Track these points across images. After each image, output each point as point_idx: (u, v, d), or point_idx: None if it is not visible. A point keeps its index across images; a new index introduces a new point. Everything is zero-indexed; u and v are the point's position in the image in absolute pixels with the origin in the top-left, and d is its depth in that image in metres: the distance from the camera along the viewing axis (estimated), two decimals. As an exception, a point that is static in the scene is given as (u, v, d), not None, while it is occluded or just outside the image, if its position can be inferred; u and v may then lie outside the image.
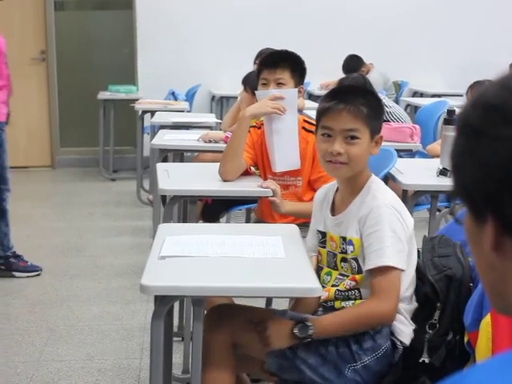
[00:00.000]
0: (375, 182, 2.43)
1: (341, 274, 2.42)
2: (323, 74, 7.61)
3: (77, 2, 8.92)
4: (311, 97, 7.93)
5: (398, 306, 2.25)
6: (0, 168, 4.72)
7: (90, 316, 4.21)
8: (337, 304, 2.40)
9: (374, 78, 7.02)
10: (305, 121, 3.45)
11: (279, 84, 3.40)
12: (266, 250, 2.41)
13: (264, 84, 3.46)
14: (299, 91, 3.42)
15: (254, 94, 4.54)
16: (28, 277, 4.82)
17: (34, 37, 8.23)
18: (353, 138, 2.38)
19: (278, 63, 3.42)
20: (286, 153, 3.36)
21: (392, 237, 2.26)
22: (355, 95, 2.41)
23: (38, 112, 7.92)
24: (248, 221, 4.48)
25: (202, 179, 3.45)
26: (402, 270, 2.26)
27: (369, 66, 7.88)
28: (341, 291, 2.38)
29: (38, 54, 8.37)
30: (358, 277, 2.35)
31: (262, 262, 2.31)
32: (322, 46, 8.40)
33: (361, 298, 2.35)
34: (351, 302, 2.37)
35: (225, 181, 3.33)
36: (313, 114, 5.12)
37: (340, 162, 2.39)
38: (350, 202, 2.41)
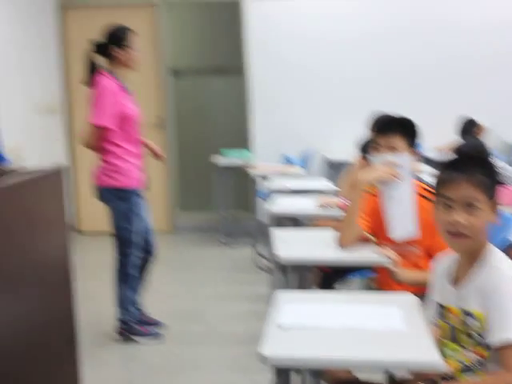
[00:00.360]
0: (494, 252, 2.38)
1: (463, 348, 2.36)
2: (436, 136, 7.52)
3: (192, 69, 9.16)
4: (425, 160, 7.84)
5: None
6: (128, 232, 4.85)
7: (210, 383, 4.24)
8: (460, 377, 2.35)
9: (488, 140, 6.92)
10: (424, 189, 3.42)
11: (391, 149, 3.41)
12: (385, 322, 2.38)
13: (376, 149, 3.47)
14: (412, 155, 3.41)
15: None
16: (148, 341, 4.91)
17: (153, 103, 8.50)
18: (473, 208, 2.34)
19: (390, 128, 3.44)
20: (403, 220, 3.34)
21: None
22: (474, 165, 2.38)
23: (157, 176, 8.14)
24: (365, 288, 4.44)
25: (318, 246, 3.46)
26: None
27: (482, 127, 7.77)
28: (465, 365, 2.33)
29: (156, 120, 8.61)
30: (483, 352, 2.30)
31: (381, 333, 2.29)
32: (434, 107, 8.33)
33: (483, 371, 2.30)
34: (475, 375, 2.31)
35: (342, 248, 3.33)
36: (428, 178, 5.08)
37: (461, 233, 2.35)
38: (471, 274, 2.37)
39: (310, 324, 2.36)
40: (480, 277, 2.33)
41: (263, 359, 2.10)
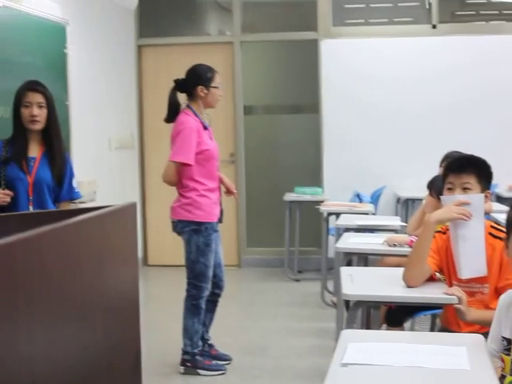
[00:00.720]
0: None
1: None
2: (510, 175, 7.40)
3: (265, 107, 9.24)
4: (499, 199, 7.73)
5: None
6: (204, 266, 4.91)
7: (272, 418, 4.22)
8: None
9: None
10: (492, 226, 3.37)
11: (465, 189, 3.37)
12: (450, 361, 2.34)
13: (450, 189, 3.44)
14: (486, 196, 3.36)
15: (439, 199, 4.51)
16: (212, 375, 4.91)
17: (225, 140, 8.57)
18: None
19: (464, 168, 3.40)
20: (472, 259, 3.28)
21: None
22: None
23: (227, 211, 8.16)
24: (433, 327, 4.38)
25: (385, 284, 3.43)
26: None
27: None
28: None
29: (227, 157, 8.69)
30: None
31: (444, 373, 2.25)
32: (508, 145, 8.22)
33: None
34: None
35: (409, 286, 3.29)
36: (501, 217, 5.00)
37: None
38: None
39: (373, 361, 2.34)
40: None
41: (325, 397, 2.09)
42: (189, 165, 4.84)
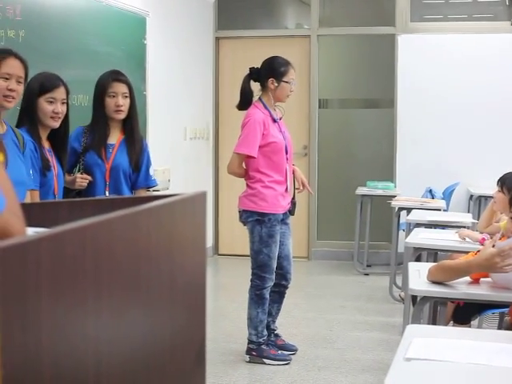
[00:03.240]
0: None
1: None
2: None
3: (339, 101, 9.23)
4: None
5: None
6: (267, 257, 4.94)
7: (335, 410, 4.24)
8: None
9: None
10: None
11: None
12: (515, 360, 2.33)
13: None
14: None
15: (510, 196, 4.46)
16: (277, 365, 4.96)
17: (298, 133, 8.59)
18: None
19: None
20: None
21: None
22: None
23: (298, 203, 8.26)
24: (501, 325, 4.34)
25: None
26: None
27: None
28: None
29: (300, 149, 8.71)
30: None
31: (508, 371, 2.24)
32: None
33: None
34: None
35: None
36: None
37: None
38: None
39: (437, 357, 2.34)
40: None
41: (387, 390, 2.10)
42: (252, 157, 4.89)
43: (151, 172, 4.51)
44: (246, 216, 4.99)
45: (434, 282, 3.35)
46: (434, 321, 3.82)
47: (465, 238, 4.46)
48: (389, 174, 8.65)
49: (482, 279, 3.39)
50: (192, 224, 2.06)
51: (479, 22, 8.63)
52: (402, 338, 2.56)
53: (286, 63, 5.02)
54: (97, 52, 5.78)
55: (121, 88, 4.34)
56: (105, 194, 4.28)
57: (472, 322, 4.56)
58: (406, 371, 2.24)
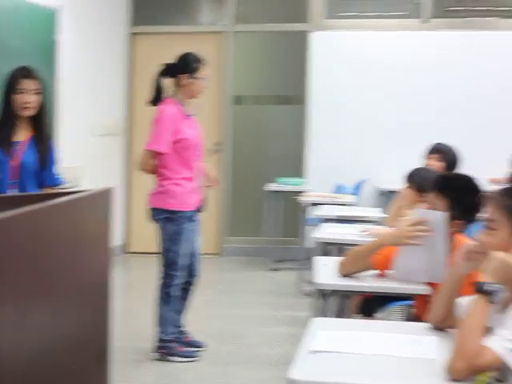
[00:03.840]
0: None
1: (493, 378, 2.34)
2: (491, 168, 7.44)
3: (253, 97, 9.24)
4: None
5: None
6: (177, 255, 4.91)
7: (244, 405, 4.26)
8: None
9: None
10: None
11: (433, 209, 3.31)
12: (418, 350, 2.38)
13: (425, 202, 3.43)
14: (456, 225, 3.31)
15: (417, 191, 4.57)
16: (186, 362, 4.94)
17: (211, 129, 8.58)
18: (490, 228, 2.40)
19: (441, 189, 3.35)
20: (428, 265, 3.30)
21: None
22: (508, 189, 2.46)
23: (210, 200, 8.28)
24: (406, 317, 4.42)
25: (359, 274, 3.47)
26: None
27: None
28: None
29: (213, 146, 8.69)
30: None
31: (412, 361, 2.28)
32: (492, 140, 8.27)
33: None
34: None
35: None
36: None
37: (480, 251, 2.42)
38: (508, 307, 2.32)
39: (341, 349, 2.37)
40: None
41: (291, 382, 2.13)
42: (163, 153, 4.86)
43: (58, 170, 4.44)
44: (156, 214, 4.94)
45: (345, 276, 3.40)
46: (341, 314, 3.88)
47: (368, 233, 4.52)
48: (299, 171, 8.71)
49: (388, 272, 3.46)
50: (96, 221, 2.04)
51: (391, 20, 8.77)
52: (307, 331, 2.59)
53: (199, 59, 4.99)
54: (6, 46, 5.64)
55: (30, 84, 4.24)
56: (7, 192, 4.18)
57: (378, 316, 4.63)
58: (310, 363, 2.26)
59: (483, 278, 2.27)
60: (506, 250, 2.33)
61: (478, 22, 8.61)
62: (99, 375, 2.04)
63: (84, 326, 1.91)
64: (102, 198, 2.04)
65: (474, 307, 2.25)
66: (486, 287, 2.24)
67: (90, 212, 1.97)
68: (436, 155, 5.52)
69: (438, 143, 5.71)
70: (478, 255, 2.47)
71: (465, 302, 2.56)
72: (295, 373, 2.15)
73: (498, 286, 2.23)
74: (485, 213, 2.48)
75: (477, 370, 2.18)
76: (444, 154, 5.53)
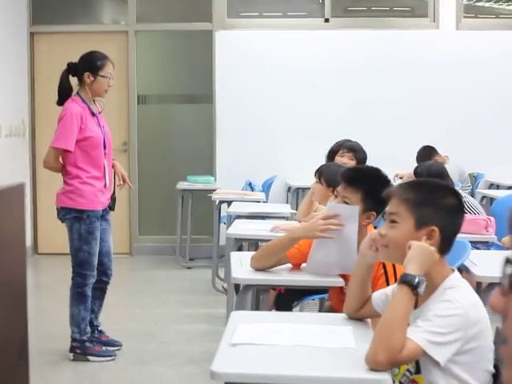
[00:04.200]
0: (454, 285, 2.35)
1: (408, 370, 2.39)
2: (397, 165, 7.62)
3: (159, 96, 9.22)
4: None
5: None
6: (87, 254, 4.86)
7: (162, 403, 4.25)
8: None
9: (450, 170, 7.02)
10: None
11: (345, 202, 3.34)
12: (336, 340, 2.42)
13: (336, 196, 3.43)
14: (368, 217, 3.35)
15: (327, 186, 4.62)
16: (102, 361, 4.90)
17: (117, 129, 8.49)
18: (393, 221, 2.44)
19: (352, 182, 3.35)
20: (340, 258, 3.35)
21: (438, 327, 2.22)
22: (409, 183, 2.53)
23: (119, 199, 8.20)
24: (321, 310, 4.49)
25: (274, 268, 3.49)
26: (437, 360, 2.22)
27: (444, 157, 7.87)
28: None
29: (120, 146, 8.62)
30: (416, 378, 2.34)
31: (331, 351, 2.33)
32: (397, 137, 8.49)
33: None
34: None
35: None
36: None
37: (382, 244, 2.46)
38: (424, 300, 2.37)
39: (262, 341, 2.40)
40: (431, 304, 2.33)
41: (214, 375, 2.13)
42: (69, 151, 4.80)
43: None
44: (64, 213, 4.88)
45: (258, 270, 3.43)
46: (257, 309, 3.90)
47: (278, 229, 4.55)
48: (209, 169, 8.75)
49: (303, 265, 3.50)
50: (11, 218, 2.00)
51: (294, 19, 8.90)
52: (227, 324, 2.60)
53: (103, 57, 4.96)
54: None
55: None
56: None
57: (293, 310, 4.68)
58: (232, 356, 2.28)
59: (406, 269, 2.30)
60: (408, 240, 2.37)
61: (377, 22, 8.84)
62: (21, 370, 2.01)
63: (3, 324, 1.87)
64: (15, 194, 1.99)
65: (398, 299, 2.27)
66: (409, 279, 2.26)
67: (5, 208, 1.93)
68: (349, 153, 5.58)
69: (349, 140, 5.77)
70: (380, 245, 2.51)
71: (379, 294, 2.62)
72: (217, 366, 2.16)
73: (421, 277, 2.26)
74: (387, 207, 2.51)
75: (398, 363, 2.23)
76: (356, 152, 5.60)
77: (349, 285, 2.74)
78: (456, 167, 7.95)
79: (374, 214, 3.38)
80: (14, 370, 2.02)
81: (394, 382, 2.33)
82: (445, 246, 2.41)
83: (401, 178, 7.79)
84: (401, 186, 2.49)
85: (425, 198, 2.42)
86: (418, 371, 2.34)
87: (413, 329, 2.23)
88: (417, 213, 2.39)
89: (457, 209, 2.45)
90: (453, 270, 2.43)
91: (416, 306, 2.32)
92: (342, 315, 2.74)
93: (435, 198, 2.43)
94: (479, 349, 2.28)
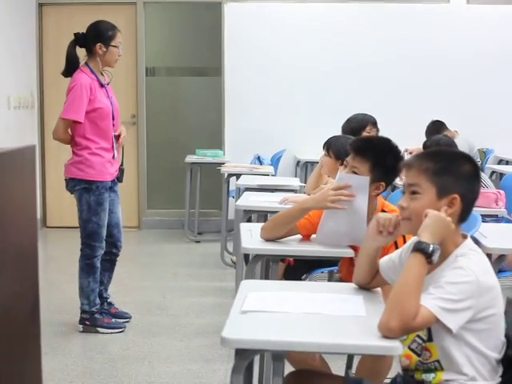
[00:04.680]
0: (466, 252, 2.34)
1: (418, 336, 2.38)
2: (408, 140, 7.58)
3: (167, 69, 9.18)
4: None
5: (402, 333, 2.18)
6: (96, 225, 4.87)
7: (171, 373, 4.26)
8: (417, 375, 2.38)
9: (459, 145, 6.98)
10: (384, 212, 3.41)
11: (354, 172, 3.34)
12: (347, 308, 2.42)
13: (345, 166, 3.43)
14: (377, 188, 3.35)
15: (336, 159, 4.61)
16: (112, 333, 4.91)
17: (126, 101, 8.47)
18: (414, 193, 2.40)
19: (361, 152, 3.34)
20: (352, 229, 3.34)
21: (450, 294, 2.21)
22: (426, 153, 2.50)
23: (127, 173, 8.19)
24: (331, 282, 4.48)
25: (284, 239, 3.49)
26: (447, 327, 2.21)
27: (453, 132, 7.83)
28: (422, 362, 2.36)
29: (128, 118, 8.60)
30: (429, 345, 2.33)
31: (342, 319, 2.32)
32: (406, 111, 8.45)
33: (442, 369, 2.32)
34: (432, 374, 2.34)
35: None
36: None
37: (404, 217, 2.43)
38: (436, 267, 2.35)
39: (272, 309, 2.39)
40: (442, 272, 2.32)
41: (225, 341, 2.12)
42: (79, 122, 4.78)
43: None
44: (73, 184, 4.87)
45: (268, 240, 3.42)
46: (266, 279, 3.89)
47: (286, 201, 4.54)
48: (218, 142, 8.72)
49: (312, 236, 3.49)
50: (22, 178, 1.98)
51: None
52: (237, 292, 2.60)
53: (113, 27, 4.93)
54: None
55: None
56: None
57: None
58: (242, 323, 2.27)
59: (420, 237, 2.28)
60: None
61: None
62: (33, 334, 2.02)
63: (14, 289, 1.88)
64: (27, 154, 1.98)
65: (412, 266, 2.25)
66: (424, 247, 2.24)
67: (16, 168, 1.91)
68: (375, 128, 5.58)
69: (366, 115, 5.73)
70: (388, 228, 2.49)
71: (386, 261, 2.60)
72: (227, 332, 2.15)
73: (435, 245, 2.25)
74: (405, 178, 2.48)
75: (411, 330, 2.22)
76: (377, 125, 5.61)
77: (358, 259, 2.72)
78: (465, 142, 7.91)
79: (384, 184, 3.37)
80: (25, 332, 2.02)
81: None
82: (465, 213, 2.40)
83: (410, 153, 7.76)
84: (418, 156, 2.46)
85: (444, 167, 2.39)
86: (430, 339, 2.33)
87: (425, 296, 2.21)
88: (438, 182, 2.37)
89: (474, 176, 2.43)
90: (465, 237, 2.41)
91: (428, 271, 2.30)
92: (352, 285, 2.73)
93: (454, 166, 2.41)
94: (492, 317, 2.27)
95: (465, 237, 2.42)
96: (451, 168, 2.40)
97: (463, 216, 2.40)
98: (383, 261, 2.61)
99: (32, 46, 8.62)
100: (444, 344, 2.28)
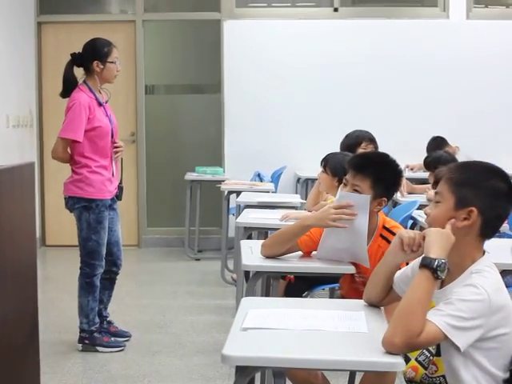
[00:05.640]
0: (481, 269, 2.30)
1: (426, 349, 2.35)
2: (409, 156, 7.57)
3: (166, 86, 9.19)
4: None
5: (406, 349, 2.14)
6: (96, 244, 4.85)
7: (171, 392, 4.22)
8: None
9: (460, 160, 6.97)
10: (384, 227, 3.40)
11: (355, 190, 3.31)
12: (349, 324, 2.38)
13: (345, 184, 3.40)
14: (379, 204, 3.34)
15: (333, 176, 4.61)
16: (111, 352, 4.87)
17: (125, 119, 8.46)
18: (438, 201, 2.40)
19: (361, 169, 3.32)
20: (352, 248, 3.32)
21: (460, 311, 2.16)
22: (457, 164, 2.53)
23: (127, 191, 8.14)
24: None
25: (285, 256, 3.46)
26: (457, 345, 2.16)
27: (454, 148, 7.83)
28: (428, 376, 2.33)
29: (128, 136, 8.59)
30: (436, 360, 2.30)
31: (344, 335, 2.29)
32: (407, 127, 8.45)
33: None
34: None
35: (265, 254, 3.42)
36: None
37: (427, 223, 2.44)
38: (450, 282, 2.33)
39: (273, 325, 2.36)
40: (455, 287, 2.29)
41: (225, 359, 2.10)
42: (77, 141, 4.77)
43: None
44: (73, 203, 4.86)
45: (269, 257, 3.40)
46: (267, 296, 3.86)
47: (287, 218, 4.51)
48: (217, 159, 8.71)
49: (313, 253, 3.47)
50: (21, 194, 1.97)
51: (303, 9, 8.85)
52: (238, 309, 2.57)
53: (108, 43, 4.93)
54: None
55: None
56: None
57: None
58: (243, 340, 2.25)
59: (427, 253, 2.25)
60: (449, 220, 2.33)
61: (386, 11, 8.78)
62: (31, 350, 2.00)
63: (16, 307, 1.85)
64: (26, 171, 1.96)
65: (419, 282, 2.21)
66: (429, 262, 2.21)
67: (16, 184, 1.89)
68: (371, 145, 5.55)
69: (362, 131, 5.71)
70: (413, 247, 2.45)
71: (400, 276, 2.56)
72: (229, 349, 2.12)
73: (441, 260, 2.21)
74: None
75: (416, 347, 2.18)
76: (375, 142, 5.58)
77: (372, 275, 2.65)
78: (466, 158, 7.88)
79: (385, 199, 3.35)
80: (24, 352, 2.00)
81: (409, 359, 2.29)
82: (486, 229, 2.35)
83: (411, 169, 7.76)
84: (449, 166, 2.45)
85: (466, 179, 2.37)
86: (438, 353, 2.30)
87: (434, 312, 2.17)
88: (457, 192, 2.35)
89: (502, 193, 2.37)
90: (483, 254, 2.38)
91: (441, 286, 2.27)
92: (354, 301, 2.70)
93: (478, 179, 2.38)
94: (503, 336, 2.23)
95: (484, 253, 2.38)
96: (474, 181, 2.37)
97: (485, 232, 2.36)
98: (397, 277, 2.57)
99: (31, 65, 8.62)
100: (451, 360, 2.24)
